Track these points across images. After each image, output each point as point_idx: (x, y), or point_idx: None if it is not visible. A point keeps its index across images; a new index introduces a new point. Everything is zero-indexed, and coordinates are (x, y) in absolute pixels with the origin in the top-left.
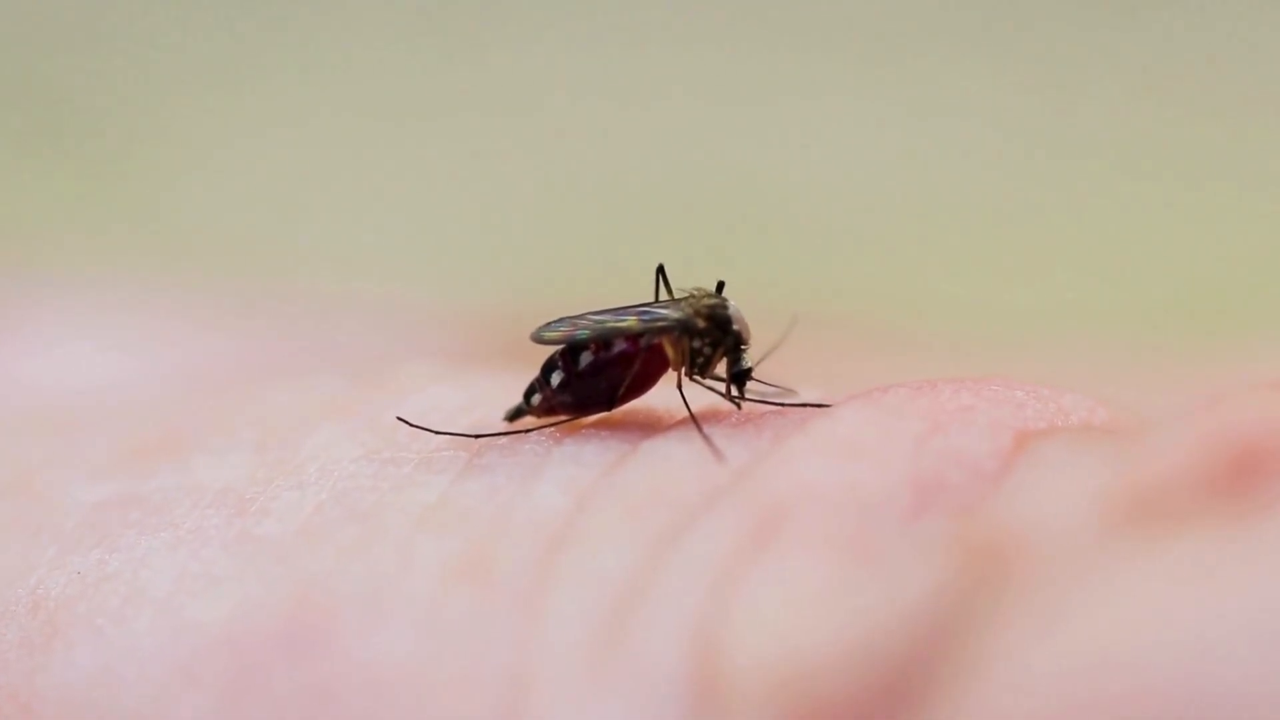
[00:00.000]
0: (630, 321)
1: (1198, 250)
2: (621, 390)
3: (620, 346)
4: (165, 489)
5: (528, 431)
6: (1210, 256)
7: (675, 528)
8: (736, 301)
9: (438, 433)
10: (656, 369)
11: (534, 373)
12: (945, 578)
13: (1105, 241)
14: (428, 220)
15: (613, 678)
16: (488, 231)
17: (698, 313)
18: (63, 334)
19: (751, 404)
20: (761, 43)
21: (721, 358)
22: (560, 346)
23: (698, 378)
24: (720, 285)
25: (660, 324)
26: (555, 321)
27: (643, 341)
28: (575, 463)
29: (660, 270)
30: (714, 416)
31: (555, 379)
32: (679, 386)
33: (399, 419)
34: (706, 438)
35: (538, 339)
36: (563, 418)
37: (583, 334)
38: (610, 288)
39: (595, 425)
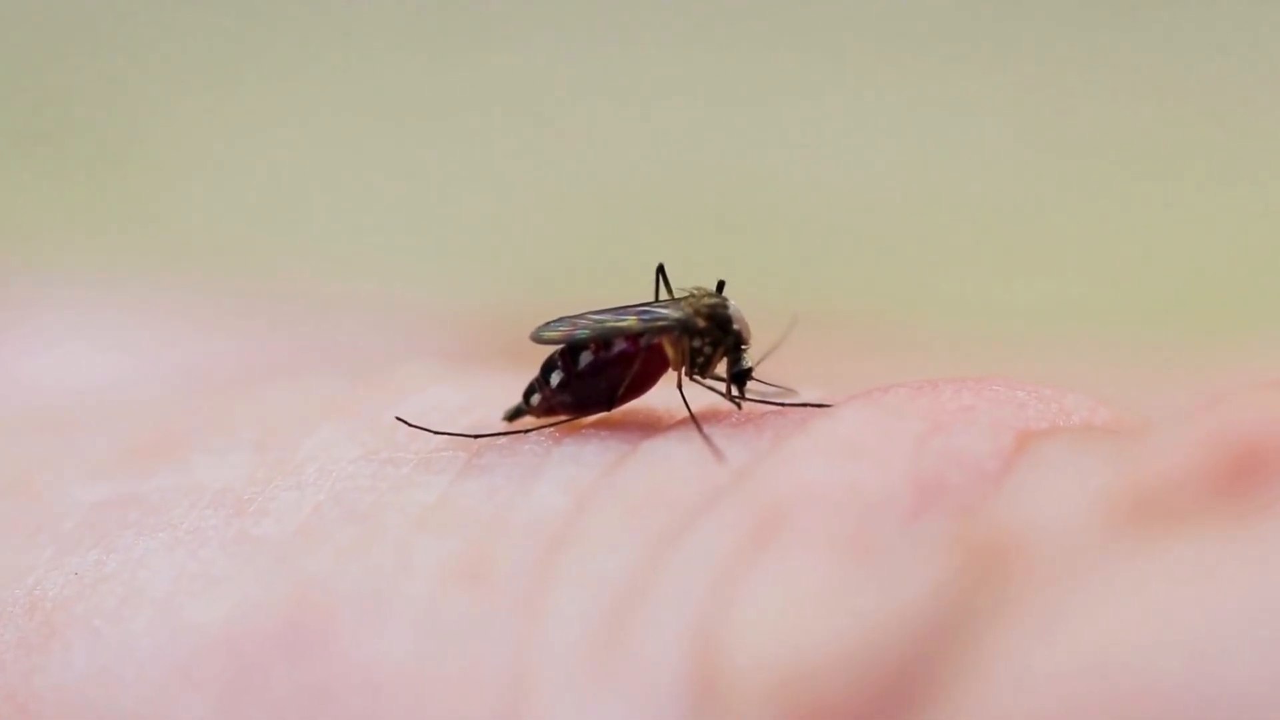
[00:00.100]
0: (630, 321)
1: (1198, 250)
2: (621, 390)
3: (620, 346)
4: (163, 489)
5: (527, 432)
6: (1210, 256)
7: (675, 528)
8: (736, 301)
9: (437, 433)
10: (656, 369)
11: (534, 373)
12: (946, 578)
13: (1105, 241)
14: (428, 220)
15: (613, 678)
16: (488, 231)
17: (698, 312)
18: (62, 334)
19: (752, 404)
20: (761, 43)
21: (722, 357)
22: (560, 346)
23: (698, 378)
24: (720, 285)
25: (660, 324)
26: (555, 321)
27: (643, 341)
28: (575, 463)
29: (660, 270)
30: (714, 416)
31: (555, 379)
32: (679, 386)
33: (398, 419)
34: (706, 438)
35: (537, 339)
36: (562, 418)
37: (582, 334)
38: (610, 288)
39: (595, 425)
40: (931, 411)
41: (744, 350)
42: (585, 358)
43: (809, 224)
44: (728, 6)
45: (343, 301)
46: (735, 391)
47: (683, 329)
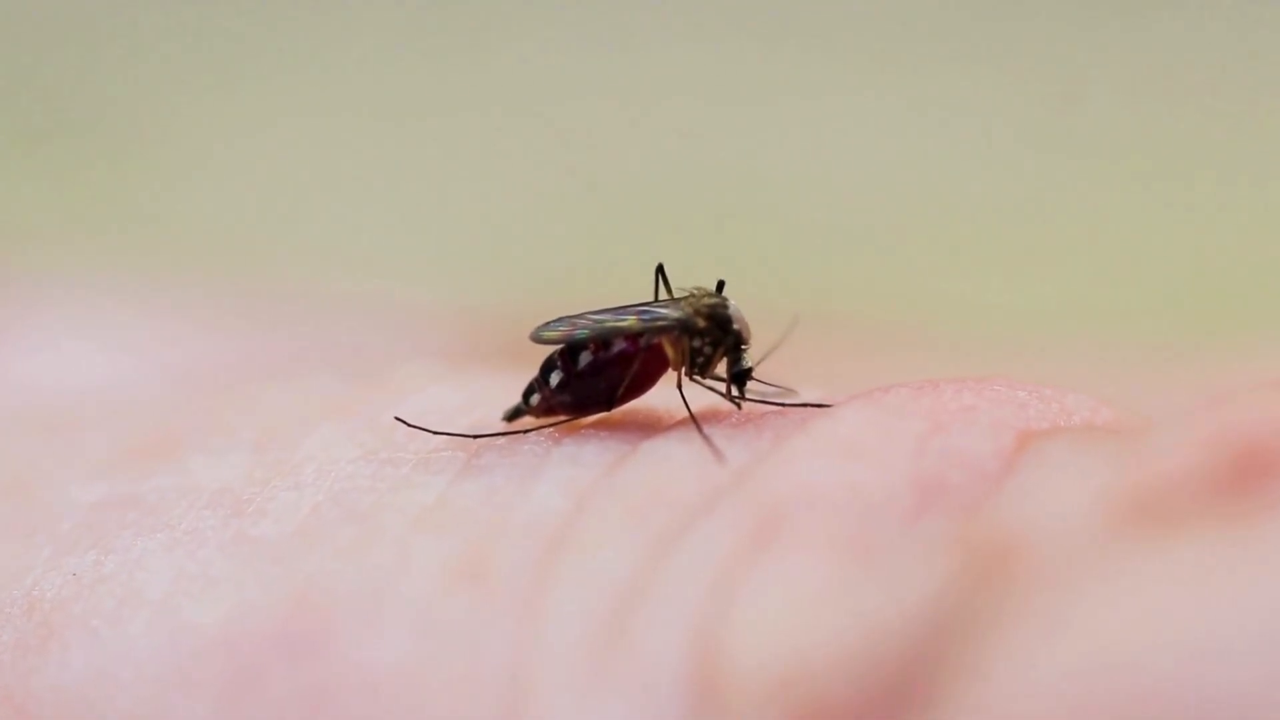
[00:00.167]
0: (630, 321)
1: (1198, 250)
2: (621, 390)
3: (620, 346)
4: (162, 489)
5: (526, 432)
6: (1210, 256)
7: (675, 528)
8: (736, 301)
9: (436, 433)
10: (656, 369)
11: (533, 373)
12: (947, 578)
13: (1105, 241)
14: (428, 220)
15: (613, 678)
16: (487, 231)
17: (698, 312)
18: (61, 333)
19: (752, 404)
20: (761, 43)
21: (722, 357)
22: (559, 346)
23: (698, 378)
24: (720, 285)
25: (660, 323)
26: (554, 321)
27: (642, 341)
28: (574, 463)
29: (660, 270)
30: (714, 417)
31: (554, 379)
32: (679, 386)
33: (397, 419)
34: (706, 438)
35: (537, 338)
36: (562, 418)
37: (582, 333)
38: (610, 288)
39: (594, 425)
40: (932, 411)
41: (744, 350)
42: (585, 358)
43: (809, 224)
44: (728, 6)
45: (343, 301)
46: (735, 391)
47: (683, 329)
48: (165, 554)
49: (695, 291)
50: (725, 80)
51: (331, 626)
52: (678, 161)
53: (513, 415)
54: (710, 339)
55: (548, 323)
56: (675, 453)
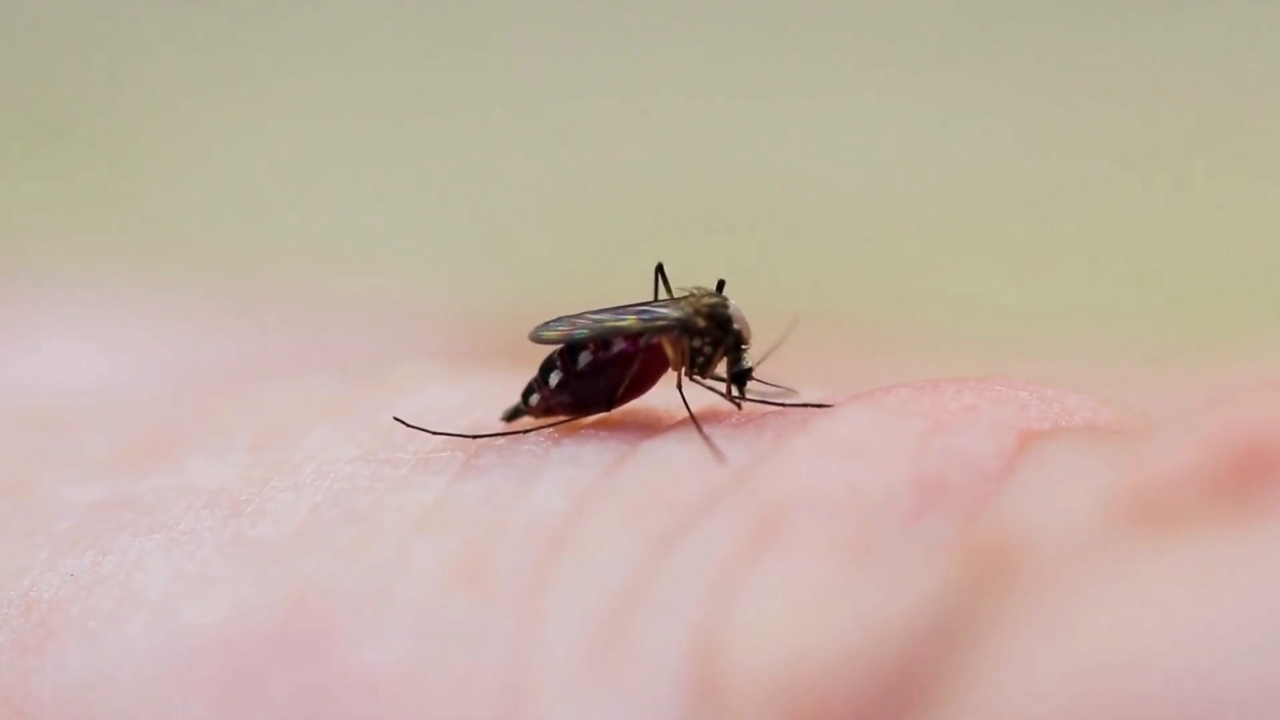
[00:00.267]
0: (630, 321)
1: (1198, 250)
2: (620, 390)
3: (619, 346)
4: (160, 490)
5: (526, 432)
6: (1210, 256)
7: (675, 529)
8: (736, 301)
9: (435, 433)
10: (656, 369)
11: (533, 373)
12: (948, 579)
13: (1105, 241)
14: (428, 220)
15: (613, 679)
16: (487, 231)
17: (698, 312)
18: (60, 333)
19: (752, 404)
20: (762, 42)
21: (722, 357)
22: (559, 346)
23: (698, 378)
24: (720, 284)
25: (660, 323)
26: (554, 321)
27: (642, 341)
28: (574, 464)
29: (660, 269)
30: (714, 417)
31: (554, 379)
32: (679, 386)
33: (396, 419)
34: (706, 438)
35: (536, 338)
36: (561, 418)
37: (581, 333)
38: (610, 287)
39: (594, 426)
40: (933, 411)
41: (744, 350)
42: (584, 357)
43: (809, 224)
44: (728, 6)
45: (342, 301)
46: (735, 391)
47: (683, 329)
48: (163, 554)
49: (695, 291)
50: (725, 80)
51: (331, 627)
52: (677, 161)
53: (512, 415)
54: (710, 339)
55: (547, 322)
56: (675, 453)
